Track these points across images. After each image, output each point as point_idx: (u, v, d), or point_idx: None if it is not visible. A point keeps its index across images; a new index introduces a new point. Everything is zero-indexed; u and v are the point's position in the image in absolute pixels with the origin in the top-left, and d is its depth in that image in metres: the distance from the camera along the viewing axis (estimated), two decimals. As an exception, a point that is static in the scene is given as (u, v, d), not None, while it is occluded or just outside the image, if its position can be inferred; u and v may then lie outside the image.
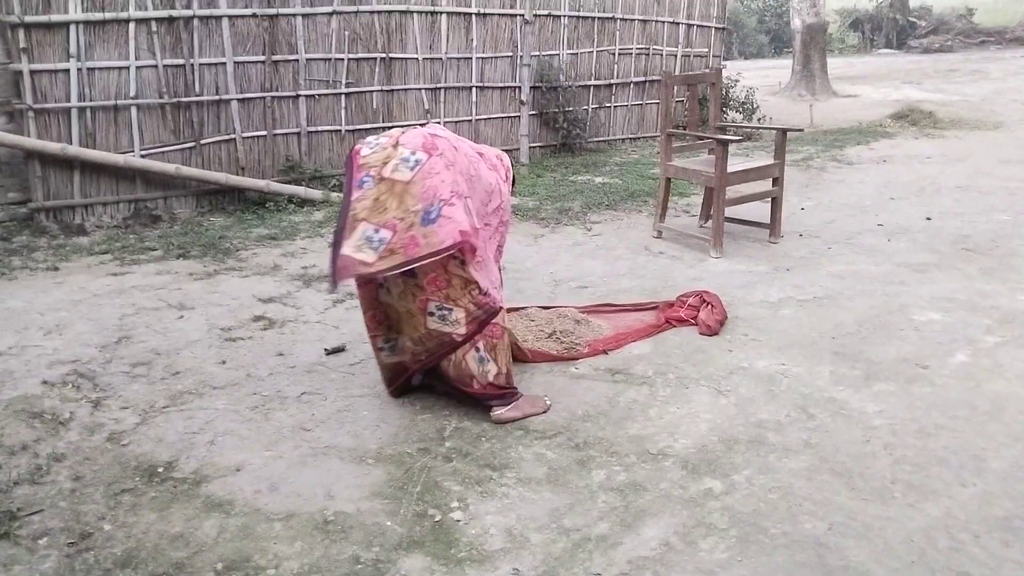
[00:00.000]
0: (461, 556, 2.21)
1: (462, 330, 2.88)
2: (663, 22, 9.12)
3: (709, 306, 3.81)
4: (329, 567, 2.16)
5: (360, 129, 6.86)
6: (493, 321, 2.90)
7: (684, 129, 5.88)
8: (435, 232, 2.70)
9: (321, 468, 2.64)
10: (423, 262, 2.73)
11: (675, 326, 3.77)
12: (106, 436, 2.83)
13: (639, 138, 9.21)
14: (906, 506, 2.41)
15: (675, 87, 5.76)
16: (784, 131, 5.31)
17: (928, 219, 5.80)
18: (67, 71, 5.45)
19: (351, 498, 2.47)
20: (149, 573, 2.14)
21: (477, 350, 2.93)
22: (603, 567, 2.16)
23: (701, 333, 3.69)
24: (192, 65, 5.91)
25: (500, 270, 3.21)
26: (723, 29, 9.90)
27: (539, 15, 7.90)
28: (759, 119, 10.04)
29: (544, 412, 3.00)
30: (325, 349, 3.56)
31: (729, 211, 5.14)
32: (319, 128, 6.65)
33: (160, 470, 2.62)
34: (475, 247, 2.81)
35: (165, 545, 2.25)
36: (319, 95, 6.59)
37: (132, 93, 5.71)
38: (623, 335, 3.66)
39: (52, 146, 5.41)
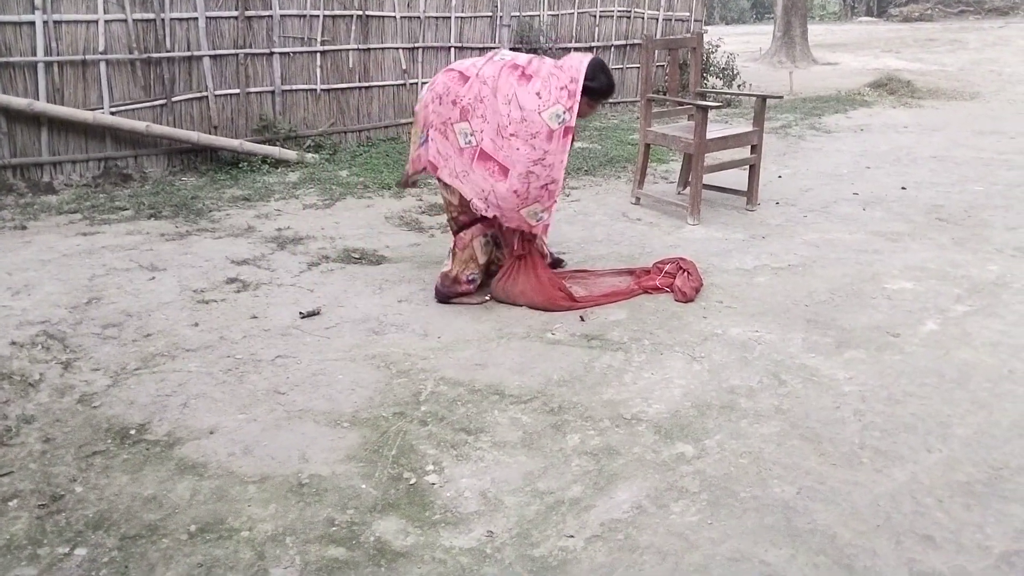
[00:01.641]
0: (436, 518, 2.23)
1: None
2: (645, -15, 9.02)
3: (685, 273, 3.83)
4: (304, 529, 2.17)
5: (336, 88, 6.74)
6: (460, 234, 3.73)
7: (664, 94, 5.85)
8: (421, 155, 3.70)
9: (295, 431, 2.63)
10: (419, 173, 3.81)
11: (651, 293, 3.79)
12: (77, 398, 2.80)
13: (619, 103, 9.16)
14: (873, 471, 2.45)
15: (656, 51, 5.71)
16: (764, 98, 5.30)
17: (903, 189, 5.85)
18: (32, 23, 5.28)
19: (326, 461, 2.47)
20: (122, 535, 2.13)
21: (452, 247, 3.79)
22: (576, 529, 2.18)
23: (677, 300, 3.71)
24: (163, 20, 5.75)
25: (547, 192, 3.45)
26: (705, -7, 9.81)
27: (520, -25, 7.77)
28: (739, 85, 10.01)
29: (479, 303, 3.73)
30: (300, 312, 3.53)
31: (707, 178, 5.13)
32: (294, 87, 6.52)
33: (132, 432, 2.60)
34: (437, 172, 3.65)
35: (138, 507, 2.24)
36: (294, 53, 6.46)
37: (101, 48, 5.55)
38: (599, 298, 3.71)
39: (18, 101, 5.26)
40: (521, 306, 3.64)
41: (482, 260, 3.75)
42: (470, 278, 3.72)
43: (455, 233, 3.78)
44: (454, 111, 3.50)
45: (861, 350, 3.26)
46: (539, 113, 3.32)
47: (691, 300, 3.70)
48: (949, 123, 8.71)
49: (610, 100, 3.68)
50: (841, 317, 3.57)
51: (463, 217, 3.71)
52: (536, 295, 3.63)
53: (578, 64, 3.39)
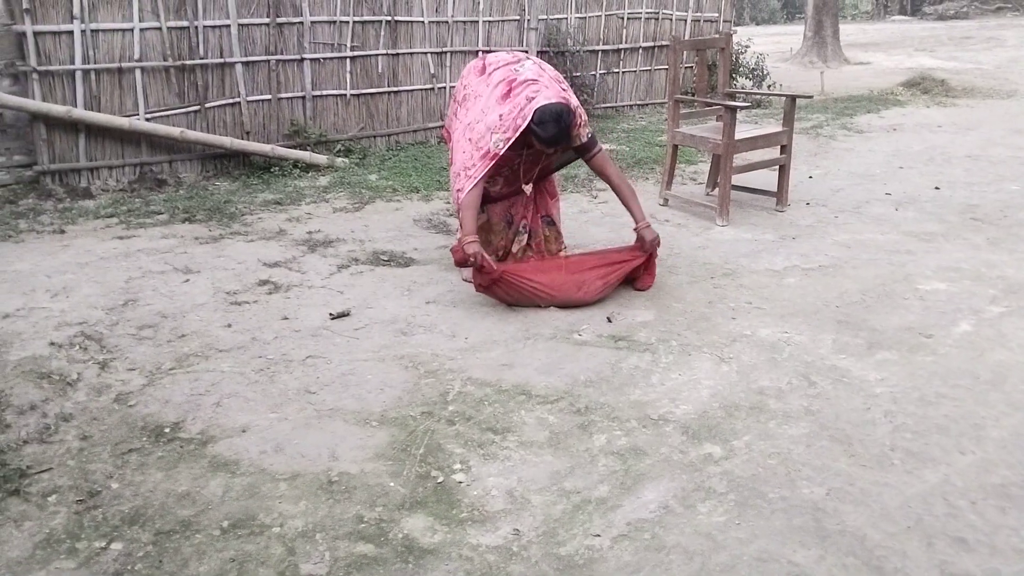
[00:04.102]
0: (463, 516, 2.24)
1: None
2: (673, -14, 8.98)
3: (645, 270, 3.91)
4: (333, 526, 2.20)
5: (365, 93, 6.81)
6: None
7: (692, 95, 5.82)
8: (447, 122, 4.20)
9: (326, 430, 2.67)
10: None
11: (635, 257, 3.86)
12: (113, 397, 2.87)
13: (647, 104, 9.13)
14: (904, 473, 2.42)
15: (684, 52, 5.69)
16: (793, 98, 5.26)
17: (937, 188, 5.76)
18: (71, 32, 5.41)
19: (355, 459, 2.50)
20: (156, 530, 2.18)
21: None
22: (602, 528, 2.19)
23: (637, 288, 3.84)
24: (196, 27, 5.86)
25: (457, 194, 3.63)
26: (734, -6, 9.74)
27: (547, -22, 7.79)
28: (769, 86, 9.92)
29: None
30: (330, 314, 3.57)
31: (736, 179, 5.10)
32: (324, 92, 6.60)
33: (167, 430, 2.66)
34: (447, 137, 4.10)
35: (172, 503, 2.29)
36: (324, 59, 6.54)
37: (136, 55, 5.67)
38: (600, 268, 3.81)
39: (57, 108, 5.39)
40: (547, 307, 3.64)
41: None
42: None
43: None
44: (459, 94, 3.99)
45: (893, 351, 3.22)
46: (491, 132, 3.56)
47: (644, 290, 3.84)
48: (984, 122, 8.55)
49: (556, 148, 3.73)
50: (872, 318, 3.53)
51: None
52: (554, 291, 3.66)
53: (536, 106, 3.49)
